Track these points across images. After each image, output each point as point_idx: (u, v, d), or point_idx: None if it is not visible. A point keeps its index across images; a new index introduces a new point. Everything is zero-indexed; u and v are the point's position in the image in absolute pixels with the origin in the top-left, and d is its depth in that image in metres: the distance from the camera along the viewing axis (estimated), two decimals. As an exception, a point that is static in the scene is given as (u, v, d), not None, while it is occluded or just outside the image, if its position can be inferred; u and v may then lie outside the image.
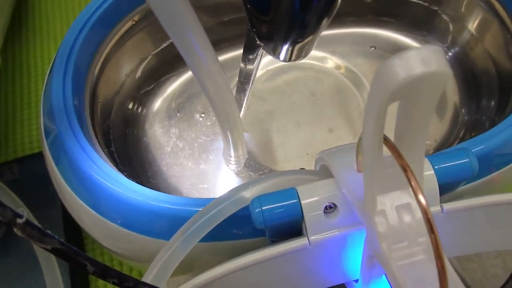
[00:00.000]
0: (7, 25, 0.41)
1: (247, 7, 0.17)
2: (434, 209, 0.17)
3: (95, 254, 0.34)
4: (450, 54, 0.28)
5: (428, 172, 0.17)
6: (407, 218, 0.14)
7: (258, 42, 0.17)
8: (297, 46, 0.15)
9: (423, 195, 0.13)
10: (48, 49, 0.44)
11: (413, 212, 0.14)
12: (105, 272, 0.14)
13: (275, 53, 0.17)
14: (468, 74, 0.27)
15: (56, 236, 0.14)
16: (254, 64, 0.21)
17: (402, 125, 0.12)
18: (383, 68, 0.10)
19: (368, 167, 0.13)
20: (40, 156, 0.37)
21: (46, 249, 0.13)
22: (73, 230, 0.36)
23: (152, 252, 0.20)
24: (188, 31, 0.16)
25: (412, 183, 0.13)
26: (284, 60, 0.17)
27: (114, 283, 0.15)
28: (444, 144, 0.26)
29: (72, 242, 0.34)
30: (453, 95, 0.27)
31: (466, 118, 0.26)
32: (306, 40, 0.14)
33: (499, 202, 0.18)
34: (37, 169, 0.37)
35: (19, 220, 0.13)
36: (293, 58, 0.17)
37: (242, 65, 0.22)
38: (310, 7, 0.12)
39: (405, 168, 0.13)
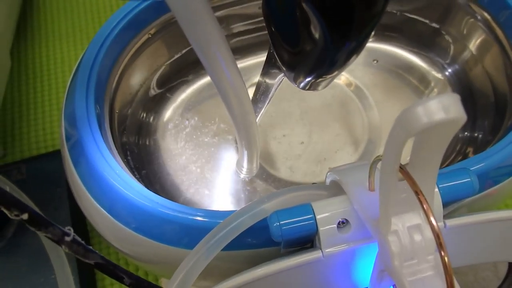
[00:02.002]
0: (15, 27, 0.42)
1: (271, 29, 0.17)
2: (438, 224, 0.18)
3: (102, 253, 0.35)
4: (450, 71, 0.29)
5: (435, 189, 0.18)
6: (417, 237, 0.15)
7: (283, 69, 0.17)
8: (320, 80, 0.16)
9: (434, 218, 0.14)
10: (54, 49, 0.45)
11: (422, 232, 0.15)
12: (139, 284, 0.15)
13: (296, 82, 0.18)
14: (466, 92, 0.28)
15: (97, 252, 0.15)
16: (277, 79, 0.22)
17: (417, 157, 0.14)
18: (407, 113, 0.12)
19: (384, 192, 0.14)
20: (47, 156, 0.38)
21: (89, 264, 0.14)
22: (80, 231, 0.36)
23: (162, 257, 0.21)
24: (217, 51, 0.16)
25: (425, 207, 0.14)
26: (303, 89, 0.18)
27: None
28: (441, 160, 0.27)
29: (79, 232, 0.35)
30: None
31: (462, 134, 0.28)
32: (331, 76, 0.15)
33: (496, 219, 0.19)
34: (44, 169, 0.38)
35: (67, 238, 0.14)
36: (312, 88, 0.18)
37: (261, 79, 0.23)
38: (343, 47, 0.13)
39: (418, 194, 0.14)
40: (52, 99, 0.42)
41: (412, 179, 0.14)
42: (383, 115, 0.29)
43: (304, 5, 0.12)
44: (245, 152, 0.23)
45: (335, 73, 0.15)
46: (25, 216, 0.13)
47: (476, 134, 0.27)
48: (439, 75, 0.29)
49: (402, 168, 0.14)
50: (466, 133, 0.28)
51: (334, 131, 0.28)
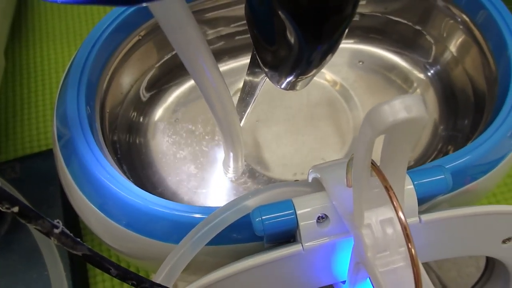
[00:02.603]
0: (9, 27, 0.42)
1: (253, 32, 0.18)
2: (413, 219, 0.19)
3: (94, 238, 0.36)
4: (432, 71, 0.30)
5: (408, 187, 0.19)
6: (389, 230, 0.16)
7: (265, 70, 0.18)
8: (299, 79, 0.17)
9: (402, 212, 0.15)
10: (47, 50, 0.45)
11: (394, 225, 0.16)
12: (126, 275, 0.16)
13: (277, 82, 0.18)
14: (448, 92, 0.29)
15: (85, 244, 0.15)
16: (260, 78, 0.23)
17: (387, 154, 0.15)
18: (375, 112, 0.12)
19: (357, 187, 0.15)
20: (40, 155, 0.39)
21: (77, 255, 0.15)
22: (73, 228, 0.37)
23: (152, 252, 0.22)
24: (199, 55, 0.17)
25: (394, 202, 0.15)
26: (285, 89, 0.19)
27: (132, 285, 0.17)
28: (424, 155, 0.28)
29: (71, 228, 0.35)
30: (433, 112, 0.29)
31: (443, 133, 0.28)
32: (308, 75, 0.16)
33: (470, 214, 0.20)
34: (38, 168, 0.39)
35: (56, 231, 0.14)
36: (292, 88, 0.18)
37: (247, 78, 0.23)
38: (316, 49, 0.14)
39: (388, 189, 0.15)
40: (45, 99, 0.43)
41: (382, 175, 0.15)
42: (365, 113, 0.29)
43: (279, 12, 0.13)
44: (230, 152, 0.24)
45: (313, 72, 0.16)
46: (15, 209, 0.14)
47: (457, 133, 0.28)
48: (421, 75, 0.30)
49: (373, 165, 0.15)
50: (447, 132, 0.28)
51: (321, 130, 0.29)
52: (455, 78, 0.28)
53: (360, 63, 0.31)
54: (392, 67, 0.31)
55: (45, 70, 0.44)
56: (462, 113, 0.28)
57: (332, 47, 0.14)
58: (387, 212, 0.16)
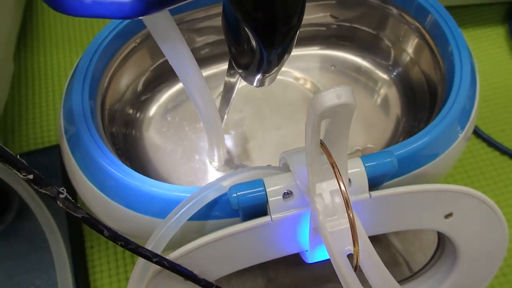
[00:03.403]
0: (17, 35, 0.46)
1: (227, 40, 0.22)
2: (364, 195, 0.22)
3: (92, 231, 0.40)
4: (393, 72, 0.34)
5: (360, 169, 0.22)
6: (337, 199, 0.20)
7: (238, 70, 0.22)
8: (265, 77, 0.21)
9: (344, 184, 0.18)
10: (50, 55, 0.49)
11: (341, 195, 0.20)
12: (116, 236, 0.20)
13: (248, 81, 0.22)
14: (408, 89, 0.33)
15: (83, 209, 0.19)
16: (236, 78, 0.27)
17: (331, 135, 0.18)
18: (315, 99, 0.16)
19: (310, 163, 0.19)
20: (44, 151, 0.42)
21: (77, 217, 0.19)
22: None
23: (146, 228, 0.25)
24: (183, 59, 0.21)
25: (337, 175, 0.18)
26: (256, 86, 0.22)
27: (121, 245, 0.20)
28: (388, 145, 0.32)
29: (73, 223, 0.39)
30: (396, 108, 0.33)
31: (405, 126, 0.32)
32: (271, 73, 0.20)
33: (414, 191, 0.23)
34: (41, 162, 0.42)
35: (61, 196, 0.18)
36: (261, 85, 0.22)
37: (226, 79, 0.27)
38: (272, 52, 0.17)
39: (332, 165, 0.18)
40: (48, 100, 0.47)
41: (328, 152, 0.18)
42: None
43: (242, 24, 0.16)
44: (214, 143, 0.28)
45: (274, 70, 0.19)
46: (31, 176, 0.17)
47: (416, 126, 0.32)
48: (384, 76, 0.34)
49: (321, 144, 0.19)
50: (408, 124, 0.32)
51: (298, 125, 0.33)
52: (413, 77, 0.32)
53: (332, 67, 0.35)
54: (359, 69, 0.34)
55: (48, 74, 0.48)
56: (420, 108, 0.32)
57: (285, 50, 0.18)
58: (335, 184, 0.20)
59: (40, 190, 0.18)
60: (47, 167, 0.41)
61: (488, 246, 0.27)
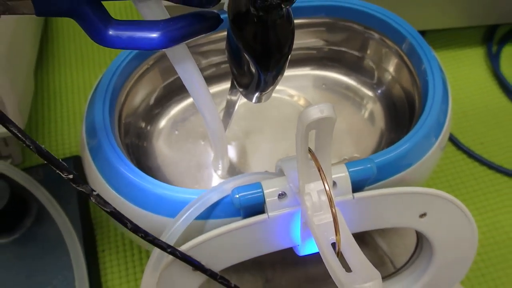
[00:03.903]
0: (37, 54, 0.50)
1: (230, 63, 0.26)
2: (348, 196, 0.26)
3: (103, 231, 0.43)
4: (377, 89, 0.38)
5: (344, 174, 0.26)
6: (323, 197, 0.23)
7: (239, 88, 0.26)
8: (262, 94, 0.25)
9: (328, 184, 0.22)
10: (65, 74, 0.53)
11: (326, 193, 0.23)
12: (137, 229, 0.23)
13: (248, 98, 0.26)
14: (391, 105, 0.37)
15: (111, 205, 0.22)
16: (237, 96, 0.31)
17: (317, 144, 0.22)
18: (302, 114, 0.20)
19: (300, 167, 0.23)
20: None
21: (106, 211, 0.22)
22: (86, 219, 0.44)
23: (157, 226, 0.28)
24: (195, 82, 0.25)
25: (322, 177, 0.22)
26: (255, 102, 0.26)
27: (141, 236, 0.24)
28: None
29: (86, 226, 0.42)
30: (380, 122, 0.37)
31: (388, 138, 0.36)
32: (267, 91, 0.24)
33: (391, 193, 0.27)
34: (56, 174, 0.45)
35: (94, 193, 0.22)
36: (260, 101, 0.26)
37: (228, 97, 0.31)
38: (268, 74, 0.21)
39: (318, 168, 0.22)
40: (63, 115, 0.50)
41: (315, 157, 0.22)
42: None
43: (243, 52, 0.20)
44: (218, 153, 0.31)
45: (270, 89, 0.23)
46: (71, 176, 0.21)
47: (397, 138, 0.35)
48: (370, 93, 0.38)
49: (310, 151, 0.22)
50: (391, 137, 0.36)
51: (292, 137, 0.36)
52: (395, 94, 0.36)
53: (324, 85, 0.39)
54: (347, 87, 0.38)
55: (63, 92, 0.52)
56: (401, 121, 0.35)
57: (279, 72, 0.21)
58: (322, 185, 0.23)
59: (77, 188, 0.21)
60: (62, 177, 0.45)
61: (460, 243, 0.31)
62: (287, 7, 0.17)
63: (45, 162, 0.47)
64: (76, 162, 0.46)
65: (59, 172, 0.21)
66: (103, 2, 0.18)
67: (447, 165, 0.47)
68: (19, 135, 0.20)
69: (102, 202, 0.22)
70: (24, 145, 0.20)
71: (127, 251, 0.42)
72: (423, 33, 0.56)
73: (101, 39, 0.17)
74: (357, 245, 0.22)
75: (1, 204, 0.39)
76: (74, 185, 0.22)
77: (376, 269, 0.23)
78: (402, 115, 0.35)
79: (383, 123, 0.37)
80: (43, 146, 0.21)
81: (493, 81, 0.53)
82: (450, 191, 0.46)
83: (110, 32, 0.17)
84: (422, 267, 0.32)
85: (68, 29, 0.57)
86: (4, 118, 0.20)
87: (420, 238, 0.33)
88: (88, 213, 0.44)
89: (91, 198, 0.22)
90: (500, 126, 0.50)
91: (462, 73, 0.54)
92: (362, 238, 0.40)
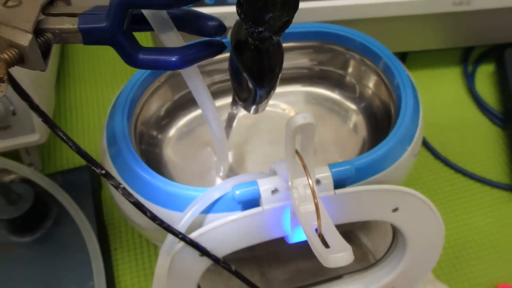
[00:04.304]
0: (56, 72, 0.55)
1: (232, 80, 0.31)
2: (330, 192, 0.31)
3: (115, 231, 0.48)
4: (360, 103, 0.43)
5: (327, 173, 0.31)
6: (307, 190, 0.28)
7: (239, 102, 0.31)
8: (259, 106, 0.30)
9: (311, 179, 0.27)
10: (79, 90, 0.58)
11: (310, 187, 0.28)
12: (155, 217, 0.28)
13: (247, 109, 0.31)
14: (371, 117, 0.42)
15: (134, 196, 0.27)
16: (237, 110, 0.36)
17: (302, 146, 0.27)
18: (289, 121, 0.25)
19: (289, 165, 0.28)
20: (75, 170, 0.51)
21: (130, 201, 0.27)
22: (100, 220, 0.48)
23: (167, 219, 0.30)
24: (204, 95, 0.30)
25: (306, 173, 0.27)
26: (253, 113, 0.31)
27: (158, 224, 0.28)
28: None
29: (100, 226, 0.46)
30: (363, 131, 0.42)
31: (369, 146, 0.41)
32: (262, 104, 0.29)
33: (367, 190, 0.32)
34: (74, 179, 0.50)
35: (121, 186, 0.26)
36: (257, 112, 0.31)
37: (230, 110, 0.36)
38: (262, 90, 0.26)
39: (303, 166, 0.27)
40: (78, 127, 0.55)
41: (300, 157, 0.27)
42: (317, 134, 0.42)
43: (242, 71, 0.25)
44: (220, 157, 0.36)
45: (265, 101, 0.28)
46: (103, 171, 0.26)
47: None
48: (353, 106, 0.43)
49: (296, 152, 0.27)
50: (371, 145, 0.41)
51: (283, 144, 0.41)
52: (375, 106, 0.41)
53: (313, 100, 0.44)
54: (334, 102, 0.43)
55: (78, 105, 0.57)
56: (381, 131, 0.40)
57: (271, 88, 0.26)
58: (307, 180, 0.28)
59: (108, 181, 0.26)
60: (79, 183, 0.50)
61: (428, 234, 0.35)
62: (277, 38, 0.22)
63: (63, 169, 0.52)
64: (92, 169, 0.51)
65: (94, 168, 0.26)
66: (133, 33, 0.23)
67: (426, 172, 0.52)
68: (64, 138, 0.25)
69: (127, 193, 0.27)
70: (67, 146, 0.25)
71: (137, 249, 0.47)
72: (406, 54, 0.62)
73: (132, 62, 0.22)
74: (335, 228, 0.27)
75: (26, 206, 0.43)
76: (106, 179, 0.27)
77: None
78: (381, 125, 0.40)
79: (365, 132, 0.42)
80: (82, 148, 0.26)
81: (468, 98, 0.58)
82: (429, 196, 0.50)
83: (140, 57, 0.22)
84: (398, 257, 0.37)
85: (83, 50, 0.62)
86: (52, 124, 0.25)
87: (395, 232, 0.38)
88: (102, 215, 0.49)
89: (118, 190, 0.27)
90: (474, 138, 0.55)
91: (441, 91, 0.59)
92: (349, 236, 0.45)
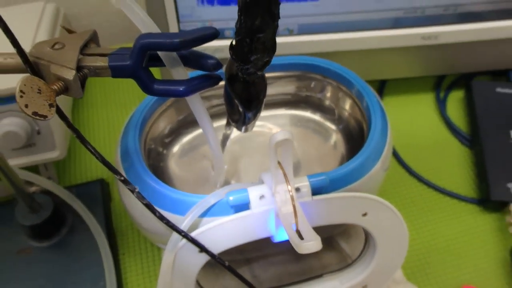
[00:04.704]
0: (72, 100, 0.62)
1: (226, 104, 0.38)
2: (308, 199, 0.37)
3: (123, 238, 0.53)
4: (339, 124, 0.49)
5: (306, 183, 0.37)
6: (287, 195, 0.34)
7: (231, 123, 0.37)
8: (248, 126, 0.36)
9: (290, 185, 0.33)
10: (92, 114, 0.65)
11: (288, 192, 0.35)
12: (162, 217, 0.34)
13: (239, 129, 0.37)
14: (349, 135, 0.48)
15: (147, 199, 0.33)
16: (231, 130, 0.42)
17: (283, 157, 0.33)
18: (271, 137, 0.31)
19: (272, 174, 0.34)
20: (88, 184, 0.57)
21: (143, 203, 0.33)
22: (110, 228, 0.54)
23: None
24: (204, 117, 0.36)
25: (286, 180, 0.33)
26: (243, 132, 0.37)
27: (165, 223, 0.35)
28: (333, 176, 0.47)
29: (110, 233, 0.52)
30: (341, 149, 0.48)
31: (347, 160, 0.47)
32: (251, 123, 0.35)
33: (340, 196, 0.38)
34: (86, 191, 0.56)
35: (136, 190, 0.33)
36: (247, 131, 0.37)
37: (224, 131, 0.43)
38: (249, 113, 0.33)
39: (284, 174, 0.33)
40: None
41: (281, 167, 0.33)
42: (302, 151, 0.49)
43: (234, 98, 0.32)
44: (217, 170, 0.43)
45: (252, 122, 0.35)
46: (122, 178, 0.32)
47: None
48: (333, 127, 0.49)
49: (278, 162, 0.34)
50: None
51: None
52: (351, 126, 0.47)
53: (298, 122, 0.51)
54: (316, 123, 0.50)
55: (91, 126, 0.63)
56: (357, 147, 0.46)
57: (258, 111, 0.33)
58: (287, 186, 0.35)
59: (126, 186, 0.33)
60: (91, 195, 0.56)
61: (394, 236, 0.41)
62: (261, 73, 0.29)
63: (77, 183, 0.58)
64: (102, 183, 0.57)
65: (114, 175, 0.32)
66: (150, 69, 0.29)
67: (401, 187, 0.59)
68: (92, 151, 0.31)
69: (141, 196, 0.33)
70: (94, 156, 0.31)
71: (143, 254, 0.53)
72: (385, 81, 0.69)
73: (149, 91, 0.29)
74: (309, 225, 0.33)
75: (46, 215, 0.49)
76: (124, 185, 0.33)
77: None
78: (357, 142, 0.47)
79: (343, 149, 0.48)
80: (106, 159, 0.32)
81: (440, 121, 0.65)
82: (403, 208, 0.57)
83: (155, 87, 0.29)
84: (369, 258, 0.43)
85: (96, 78, 0.69)
86: (83, 139, 0.31)
87: (367, 236, 0.44)
88: (111, 223, 0.55)
89: (134, 193, 0.33)
90: (445, 157, 0.61)
91: (416, 115, 0.66)
92: (330, 242, 0.51)
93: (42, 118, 0.26)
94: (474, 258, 0.52)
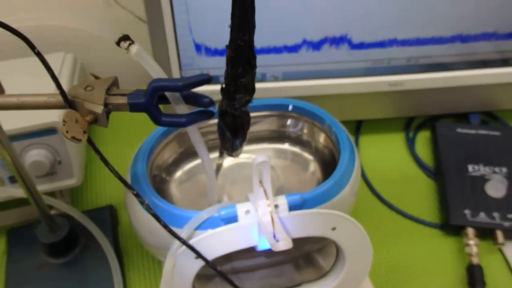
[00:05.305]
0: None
1: (219, 136, 0.46)
2: (286, 214, 0.45)
3: (129, 256, 0.60)
4: (316, 155, 0.58)
5: (284, 201, 0.45)
6: (267, 208, 0.42)
7: (223, 151, 0.46)
8: (236, 152, 0.44)
9: (269, 200, 0.41)
10: (103, 148, 0.74)
11: (267, 206, 0.43)
12: (166, 226, 0.42)
13: (230, 155, 0.46)
14: (323, 164, 0.56)
15: (153, 211, 0.41)
16: (223, 160, 0.51)
17: (263, 177, 0.42)
18: (254, 159, 0.40)
19: (255, 191, 0.42)
20: (98, 210, 0.64)
21: (150, 214, 0.41)
22: (117, 247, 0.61)
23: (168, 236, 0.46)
24: (201, 145, 0.45)
25: (266, 196, 0.41)
26: (234, 157, 0.45)
27: (168, 231, 0.42)
28: (311, 199, 0.55)
29: (117, 252, 0.59)
30: (318, 174, 0.57)
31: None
32: (239, 150, 0.44)
33: (312, 212, 0.46)
34: (97, 215, 0.64)
35: (146, 202, 0.41)
36: (237, 156, 0.45)
37: (218, 160, 0.51)
38: (236, 141, 0.41)
39: (264, 191, 0.42)
40: (100, 176, 0.70)
41: (262, 184, 0.42)
42: (285, 178, 0.57)
43: (225, 129, 0.41)
44: (211, 192, 0.51)
45: (240, 149, 0.43)
46: (134, 192, 0.40)
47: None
48: (311, 157, 0.57)
49: (260, 181, 0.42)
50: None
51: (261, 190, 0.56)
52: (325, 156, 0.56)
53: (282, 154, 0.59)
54: (296, 155, 0.58)
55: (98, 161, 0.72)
56: (330, 174, 0.55)
57: (243, 139, 0.41)
58: (267, 202, 0.43)
59: (138, 199, 0.41)
60: (101, 218, 0.64)
61: (360, 248, 0.49)
62: (245, 108, 0.38)
63: (89, 209, 0.66)
64: (111, 209, 0.65)
65: (129, 190, 0.40)
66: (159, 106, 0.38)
67: (374, 213, 0.66)
68: (116, 172, 0.39)
69: (149, 208, 0.42)
70: (115, 176, 0.39)
71: (145, 270, 0.60)
72: (361, 121, 0.78)
73: (158, 122, 0.38)
74: (283, 231, 0.41)
75: (62, 234, 0.57)
76: (136, 198, 0.41)
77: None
78: (331, 169, 0.54)
79: (320, 175, 0.56)
80: (124, 178, 0.40)
81: (409, 157, 0.74)
82: (376, 231, 0.64)
83: (163, 119, 0.38)
84: (340, 268, 0.50)
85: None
86: (104, 160, 0.39)
87: (338, 249, 0.51)
88: (118, 244, 0.62)
89: (143, 205, 0.41)
90: (413, 188, 0.69)
91: (388, 151, 0.74)
92: (310, 259, 0.58)
93: (78, 141, 0.35)
94: (435, 274, 0.59)
